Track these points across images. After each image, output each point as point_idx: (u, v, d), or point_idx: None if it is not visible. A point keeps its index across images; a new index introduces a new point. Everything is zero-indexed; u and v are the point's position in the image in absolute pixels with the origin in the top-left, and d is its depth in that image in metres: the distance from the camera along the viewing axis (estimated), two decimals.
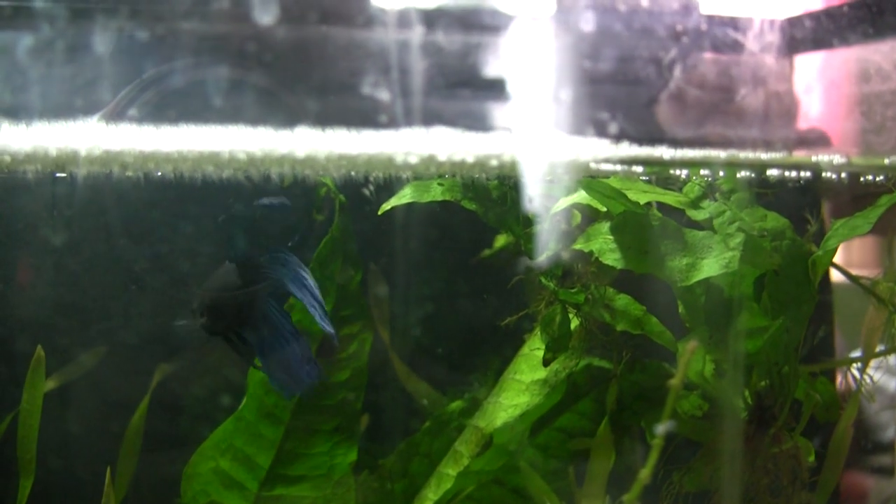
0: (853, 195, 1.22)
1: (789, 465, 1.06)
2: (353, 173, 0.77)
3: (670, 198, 1.07)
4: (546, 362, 1.06)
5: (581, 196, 1.05)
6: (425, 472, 1.25)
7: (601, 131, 0.74)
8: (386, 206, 1.05)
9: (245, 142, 0.69)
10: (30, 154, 0.70)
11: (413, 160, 0.70)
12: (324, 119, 1.14)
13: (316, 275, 1.17)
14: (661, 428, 1.21)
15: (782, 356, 1.07)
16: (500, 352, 1.27)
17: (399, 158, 0.69)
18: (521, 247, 1.04)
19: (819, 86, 1.20)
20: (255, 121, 1.08)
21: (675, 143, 0.95)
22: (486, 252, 1.22)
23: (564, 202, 1.03)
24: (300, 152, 0.70)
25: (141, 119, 1.02)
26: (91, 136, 0.69)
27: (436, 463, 1.25)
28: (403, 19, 0.96)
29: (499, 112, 0.80)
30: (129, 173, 0.73)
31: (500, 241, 1.22)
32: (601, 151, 0.73)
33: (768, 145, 1.10)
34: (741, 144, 1.12)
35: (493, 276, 1.31)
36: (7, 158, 0.70)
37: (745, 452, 1.08)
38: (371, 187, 0.93)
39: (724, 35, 1.09)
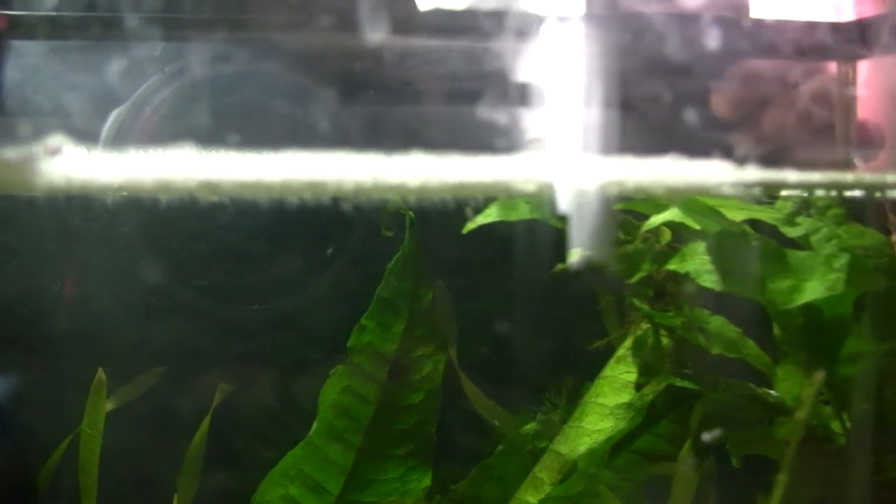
0: None
1: (892, 496, 1.01)
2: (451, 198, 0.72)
3: (765, 214, 1.03)
4: (638, 387, 1.02)
5: (674, 213, 1.00)
6: (498, 496, 1.21)
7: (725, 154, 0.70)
8: (470, 225, 1.01)
9: (353, 169, 0.64)
10: (123, 183, 0.65)
11: (530, 187, 0.65)
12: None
13: (387, 292, 1.13)
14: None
15: (886, 380, 1.02)
16: (573, 371, 1.23)
17: (517, 185, 0.64)
18: (614, 266, 0.99)
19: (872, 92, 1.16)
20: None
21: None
22: (560, 266, 1.17)
23: (656, 220, 0.99)
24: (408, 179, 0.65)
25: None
26: (186, 164, 0.64)
27: (509, 487, 1.21)
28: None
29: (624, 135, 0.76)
30: (221, 200, 0.68)
31: (575, 254, 1.17)
32: (725, 175, 0.68)
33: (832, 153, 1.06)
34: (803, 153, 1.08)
35: (565, 293, 1.26)
36: (99, 186, 0.65)
37: (845, 481, 1.04)
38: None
39: (786, 39, 1.05)
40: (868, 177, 0.78)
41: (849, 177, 0.76)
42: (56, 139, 0.66)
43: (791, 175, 0.71)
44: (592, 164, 0.67)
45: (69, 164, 0.66)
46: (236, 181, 0.67)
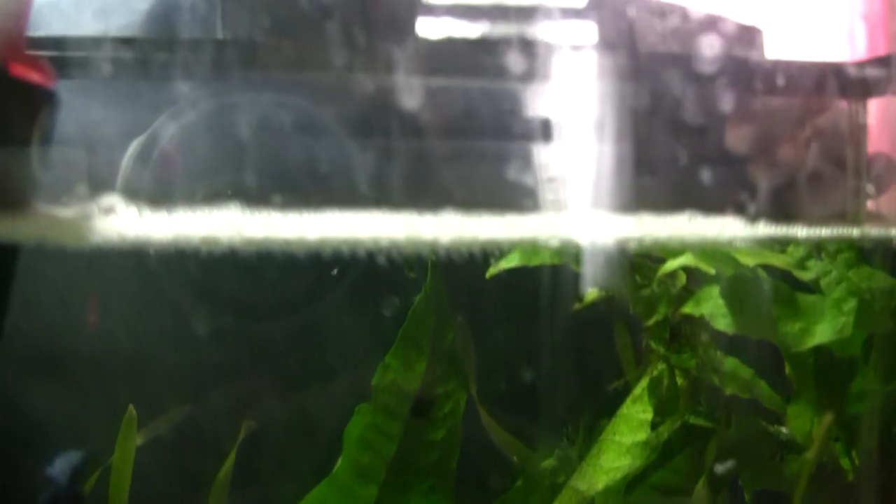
0: None
1: None
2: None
3: (777, 259, 1.06)
4: (654, 426, 1.05)
5: (689, 258, 1.04)
6: None
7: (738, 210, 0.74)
8: (493, 270, 1.05)
9: (391, 228, 0.69)
10: (171, 241, 0.70)
11: (555, 242, 0.69)
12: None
13: (411, 332, 1.17)
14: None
15: (894, 418, 1.05)
16: (589, 408, 1.26)
17: (541, 241, 0.69)
18: (631, 308, 1.03)
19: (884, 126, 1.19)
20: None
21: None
22: (578, 305, 1.21)
23: (672, 264, 1.02)
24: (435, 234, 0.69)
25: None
26: (233, 223, 0.69)
27: None
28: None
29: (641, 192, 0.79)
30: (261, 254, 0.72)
31: (592, 294, 1.21)
32: (738, 231, 0.72)
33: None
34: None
35: (581, 332, 1.30)
36: (148, 244, 0.70)
37: None
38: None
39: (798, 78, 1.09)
40: (874, 231, 0.82)
41: (854, 231, 0.79)
42: (110, 199, 0.70)
43: (800, 230, 0.75)
44: (611, 223, 0.71)
45: (122, 222, 0.71)
46: (277, 239, 0.71)
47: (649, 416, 1.11)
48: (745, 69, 1.05)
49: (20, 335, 1.12)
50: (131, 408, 1.23)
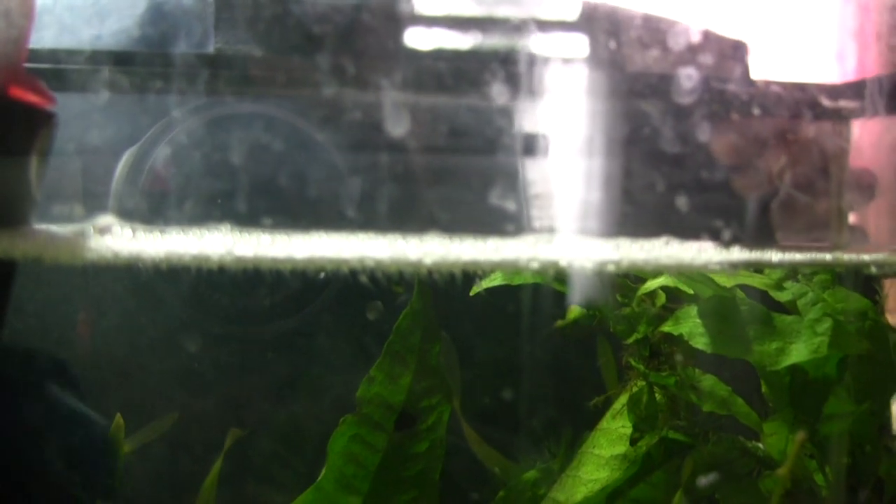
0: None
1: None
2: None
3: (755, 280, 1.09)
4: (633, 441, 1.07)
5: (668, 279, 1.06)
6: None
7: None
8: (476, 289, 1.07)
9: (376, 250, 0.71)
10: (164, 259, 0.72)
11: (535, 265, 0.71)
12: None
13: (397, 346, 1.19)
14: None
15: (866, 437, 1.08)
16: (571, 422, 1.28)
17: (522, 264, 0.71)
18: (611, 328, 1.05)
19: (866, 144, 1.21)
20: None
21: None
22: (560, 323, 1.23)
23: (652, 284, 1.05)
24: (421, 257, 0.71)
25: None
26: (223, 244, 0.71)
27: None
28: None
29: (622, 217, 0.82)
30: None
31: (574, 312, 1.24)
32: (713, 256, 0.75)
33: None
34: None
35: (563, 348, 1.32)
36: (142, 263, 0.72)
37: None
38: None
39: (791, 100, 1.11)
40: (846, 257, 0.85)
41: (827, 257, 0.82)
42: (105, 219, 0.73)
43: (773, 255, 0.77)
44: (594, 245, 0.74)
45: (117, 241, 0.73)
46: (266, 258, 0.73)
47: (629, 430, 1.14)
48: (731, 87, 1.07)
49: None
50: (119, 416, 1.25)
